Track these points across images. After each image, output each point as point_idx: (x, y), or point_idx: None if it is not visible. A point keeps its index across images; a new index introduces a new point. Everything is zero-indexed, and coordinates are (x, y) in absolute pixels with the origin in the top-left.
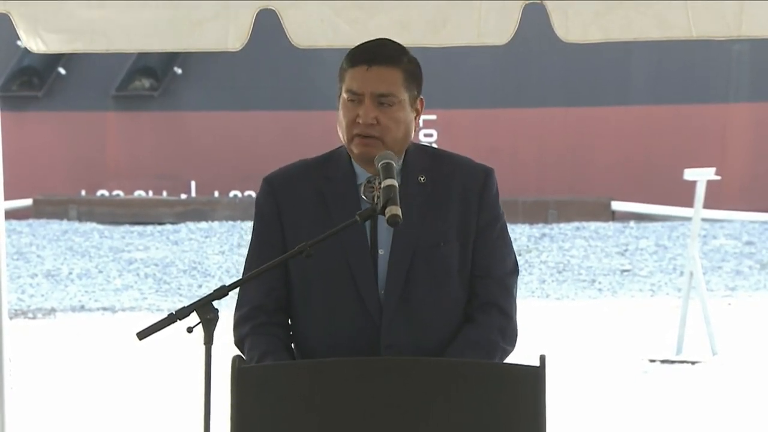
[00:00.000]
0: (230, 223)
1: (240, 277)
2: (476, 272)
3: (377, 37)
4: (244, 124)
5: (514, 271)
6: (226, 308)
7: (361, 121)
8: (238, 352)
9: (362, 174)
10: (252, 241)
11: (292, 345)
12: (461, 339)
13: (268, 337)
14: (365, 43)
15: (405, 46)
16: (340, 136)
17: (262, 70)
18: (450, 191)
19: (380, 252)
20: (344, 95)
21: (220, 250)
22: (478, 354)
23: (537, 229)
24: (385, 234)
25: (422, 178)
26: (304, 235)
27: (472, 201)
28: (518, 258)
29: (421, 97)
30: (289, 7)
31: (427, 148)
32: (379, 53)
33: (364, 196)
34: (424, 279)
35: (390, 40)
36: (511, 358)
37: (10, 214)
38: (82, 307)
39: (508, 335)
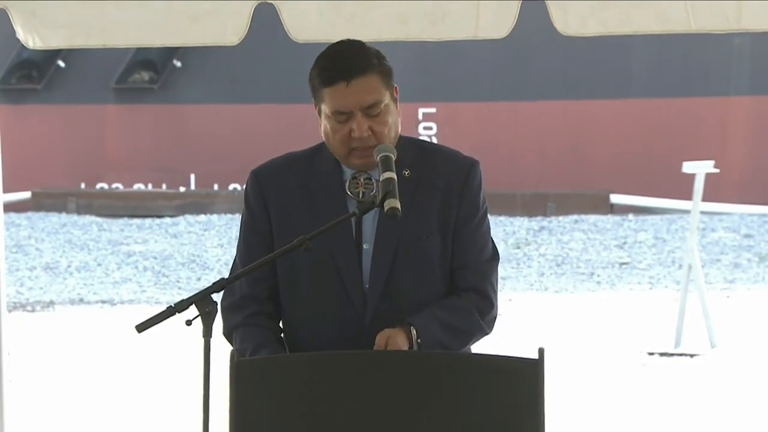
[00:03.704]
0: (229, 216)
1: (230, 268)
2: (454, 264)
3: (375, 31)
4: (244, 117)
5: (493, 258)
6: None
7: (356, 135)
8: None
9: (347, 169)
10: (241, 233)
11: (282, 335)
12: (432, 304)
13: (260, 329)
14: (330, 55)
15: (403, 40)
16: (332, 150)
17: (261, 64)
18: (434, 185)
19: (365, 246)
20: (329, 114)
21: (219, 243)
22: (452, 315)
23: (536, 222)
24: (369, 228)
25: (407, 172)
26: (292, 228)
27: (454, 194)
28: (517, 251)
29: (396, 85)
30: (288, 2)
31: (414, 141)
32: (352, 65)
33: (349, 192)
34: (407, 272)
35: (350, 41)
36: (510, 352)
37: (9, 207)
38: (81, 300)
39: (487, 316)
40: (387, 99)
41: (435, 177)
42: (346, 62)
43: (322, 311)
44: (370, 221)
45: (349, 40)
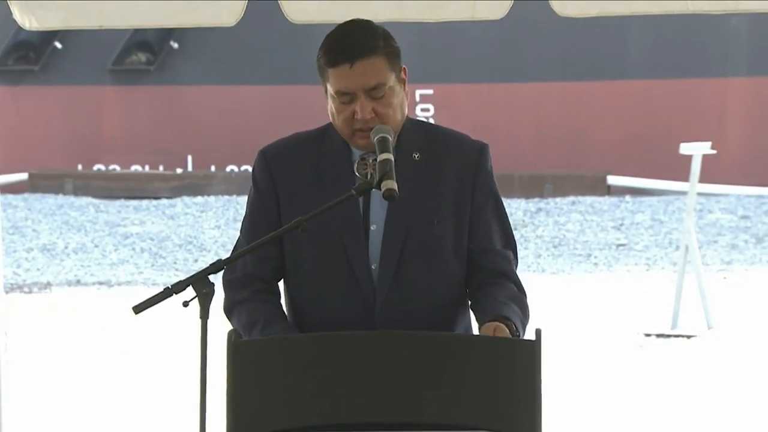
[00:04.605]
0: (226, 197)
1: (233, 248)
2: (477, 248)
3: (372, 12)
4: (241, 98)
5: (514, 245)
6: (221, 282)
7: (359, 117)
8: (234, 328)
9: (356, 150)
10: (247, 212)
11: (289, 315)
12: (498, 296)
13: (269, 305)
14: (337, 35)
15: (400, 21)
16: (337, 130)
17: (258, 45)
18: (444, 168)
19: (372, 227)
20: (333, 94)
21: (216, 224)
22: (520, 309)
23: (533, 204)
24: (378, 209)
25: (417, 156)
26: (299, 208)
27: (467, 178)
28: (514, 232)
29: (404, 66)
30: None
31: (422, 124)
32: (357, 46)
33: (357, 173)
34: (417, 256)
35: (359, 22)
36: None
37: (6, 188)
38: (78, 282)
39: (528, 303)
40: (392, 81)
41: (445, 160)
42: (351, 43)
43: (328, 292)
44: (378, 203)
45: (357, 20)
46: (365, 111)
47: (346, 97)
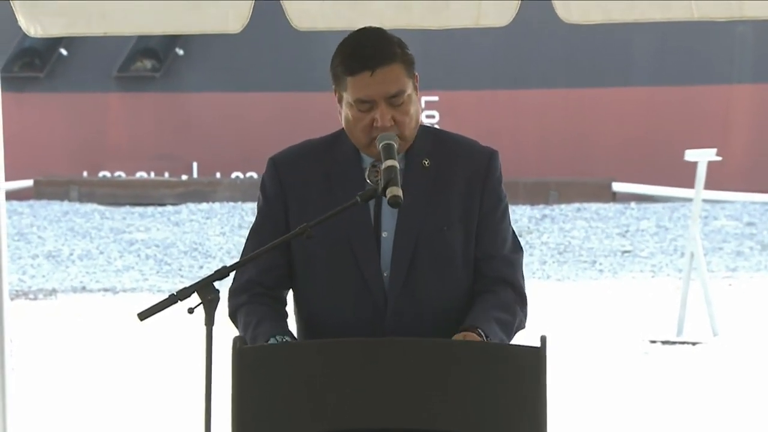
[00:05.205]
0: (231, 204)
1: (240, 255)
2: (481, 255)
3: (377, 19)
4: (246, 105)
5: (520, 249)
6: (227, 289)
7: (379, 125)
8: (239, 333)
9: (367, 157)
10: (256, 220)
11: (299, 323)
12: (483, 303)
13: (265, 307)
14: (353, 43)
15: (405, 28)
16: (353, 138)
17: (263, 52)
18: (454, 175)
19: (383, 234)
20: (351, 102)
21: (221, 231)
22: (504, 313)
23: (538, 210)
24: (389, 216)
25: (426, 162)
26: (309, 215)
27: (476, 185)
28: (519, 239)
29: (416, 73)
30: None
31: (431, 130)
32: (376, 54)
33: (368, 180)
34: (428, 263)
35: (373, 30)
36: (513, 339)
37: (11, 195)
38: (83, 288)
39: (525, 311)
40: (410, 89)
41: (455, 166)
42: (370, 51)
43: (339, 299)
44: (389, 210)
45: (371, 27)
46: (385, 119)
47: (365, 105)
